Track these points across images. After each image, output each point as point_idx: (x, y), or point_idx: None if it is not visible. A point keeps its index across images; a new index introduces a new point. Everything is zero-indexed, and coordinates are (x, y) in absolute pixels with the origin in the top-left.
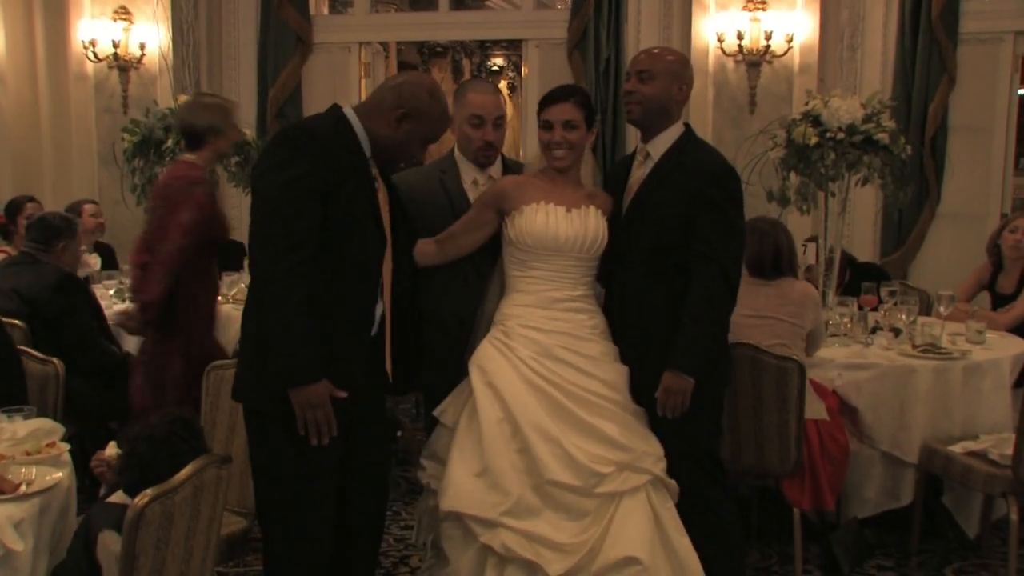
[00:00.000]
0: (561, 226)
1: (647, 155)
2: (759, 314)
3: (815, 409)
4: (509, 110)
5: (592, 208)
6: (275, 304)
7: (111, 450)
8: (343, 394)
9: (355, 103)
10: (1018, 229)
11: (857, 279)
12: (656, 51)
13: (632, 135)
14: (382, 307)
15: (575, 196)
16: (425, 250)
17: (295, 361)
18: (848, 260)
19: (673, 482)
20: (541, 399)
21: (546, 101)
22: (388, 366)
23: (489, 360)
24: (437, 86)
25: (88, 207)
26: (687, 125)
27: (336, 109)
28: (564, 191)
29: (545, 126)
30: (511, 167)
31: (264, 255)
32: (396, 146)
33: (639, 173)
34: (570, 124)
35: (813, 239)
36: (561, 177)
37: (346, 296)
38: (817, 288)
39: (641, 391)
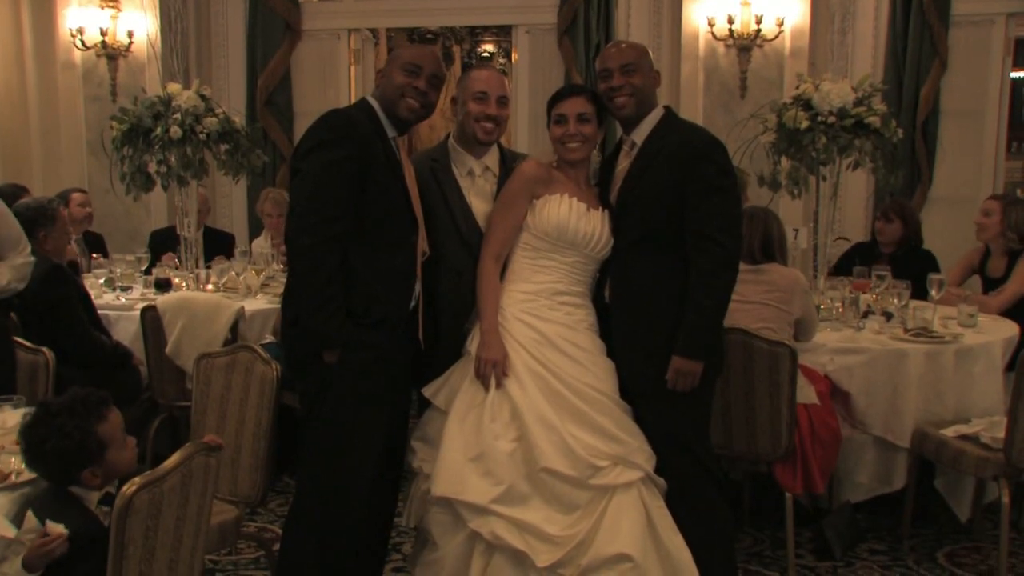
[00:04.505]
0: (581, 223)
1: (633, 144)
2: (746, 299)
3: (805, 394)
4: None
5: (606, 212)
6: (309, 271)
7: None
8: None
9: (346, 89)
10: (986, 211)
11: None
12: (625, 45)
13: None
14: (419, 286)
15: (592, 196)
16: (496, 276)
17: (324, 326)
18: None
19: (662, 480)
20: (541, 386)
21: (558, 96)
22: (421, 340)
23: None
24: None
25: (76, 196)
26: (667, 108)
27: (363, 101)
28: (582, 187)
29: (559, 120)
30: (509, 158)
31: (303, 225)
32: (390, 92)
33: (625, 163)
34: (583, 117)
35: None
36: (574, 172)
37: (388, 273)
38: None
39: (644, 378)
